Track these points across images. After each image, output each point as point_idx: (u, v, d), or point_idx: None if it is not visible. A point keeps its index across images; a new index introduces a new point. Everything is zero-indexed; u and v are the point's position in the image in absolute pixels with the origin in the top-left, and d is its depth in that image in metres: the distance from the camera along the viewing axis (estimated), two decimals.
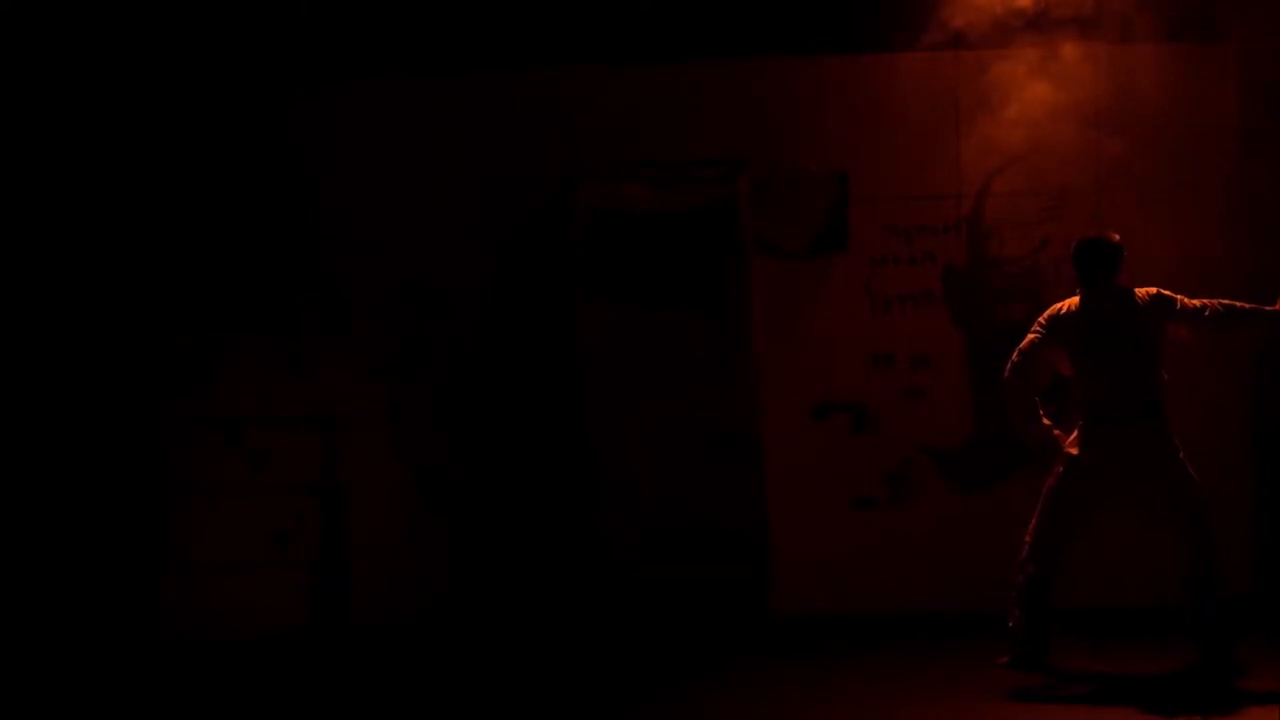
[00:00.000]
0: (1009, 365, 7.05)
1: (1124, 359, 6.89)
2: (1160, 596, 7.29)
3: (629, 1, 8.50)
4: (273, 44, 8.53)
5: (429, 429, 8.59)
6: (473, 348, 8.60)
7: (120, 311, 8.56)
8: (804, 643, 8.07)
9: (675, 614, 8.49)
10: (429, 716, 7.01)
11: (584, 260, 8.68)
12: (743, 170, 8.62)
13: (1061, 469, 6.99)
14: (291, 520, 8.59)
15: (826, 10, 8.50)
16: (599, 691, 7.29)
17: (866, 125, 8.54)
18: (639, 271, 8.72)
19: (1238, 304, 6.95)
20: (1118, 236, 7.05)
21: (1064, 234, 8.17)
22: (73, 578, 8.43)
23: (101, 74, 8.51)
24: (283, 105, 8.63)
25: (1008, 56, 8.31)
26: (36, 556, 8.42)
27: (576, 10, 8.53)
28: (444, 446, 8.58)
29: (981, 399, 8.41)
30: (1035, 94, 8.29)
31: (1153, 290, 6.95)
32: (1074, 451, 6.95)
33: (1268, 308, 6.93)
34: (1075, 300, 7.01)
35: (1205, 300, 6.93)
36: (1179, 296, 6.93)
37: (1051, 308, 7.09)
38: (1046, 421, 7.04)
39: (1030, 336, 7.06)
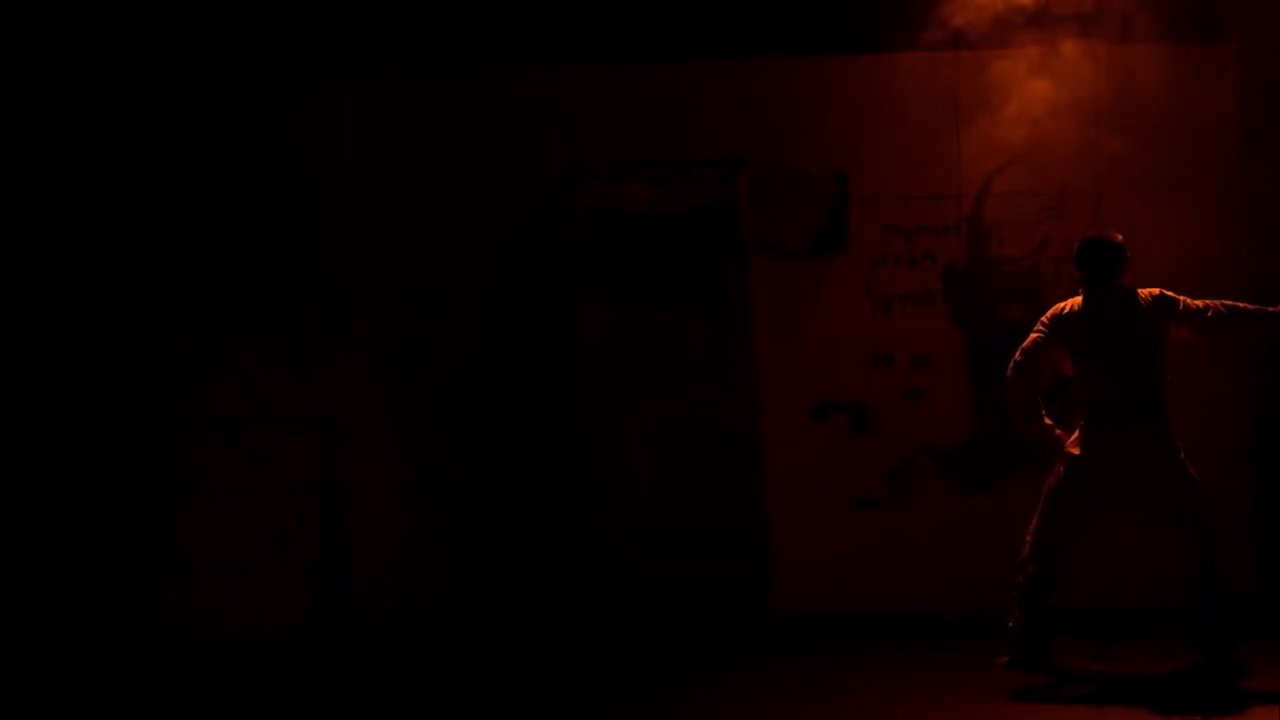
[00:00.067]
0: (1012, 364, 7.06)
1: (1126, 359, 6.89)
2: (1161, 596, 7.28)
3: (629, 1, 8.50)
4: (273, 44, 8.53)
5: (429, 429, 8.59)
6: (473, 348, 8.59)
7: (120, 311, 8.55)
8: (804, 643, 8.07)
9: (675, 614, 8.48)
10: (429, 716, 7.01)
11: (584, 260, 8.68)
12: (743, 170, 8.62)
13: (1063, 469, 6.99)
14: (291, 520, 8.58)
15: (826, 10, 8.50)
16: (599, 692, 7.29)
17: (866, 125, 8.54)
18: (639, 271, 8.72)
19: (1240, 304, 6.95)
20: (1121, 236, 7.05)
21: (1064, 234, 8.18)
22: (73, 578, 8.41)
23: (101, 74, 8.50)
24: (283, 105, 8.62)
25: (1008, 56, 8.31)
26: (37, 556, 8.41)
27: (576, 10, 8.52)
28: (444, 446, 8.58)
29: (981, 399, 8.41)
30: (1035, 93, 8.29)
31: (1155, 291, 6.95)
32: (1075, 451, 6.96)
33: (1270, 308, 6.93)
34: (1078, 300, 7.02)
35: (1208, 301, 6.93)
36: (1182, 297, 6.93)
37: (1054, 307, 7.10)
38: (1048, 421, 7.04)
39: (1033, 336, 7.06)
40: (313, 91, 8.61)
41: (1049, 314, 7.08)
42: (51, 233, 8.53)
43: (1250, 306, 6.95)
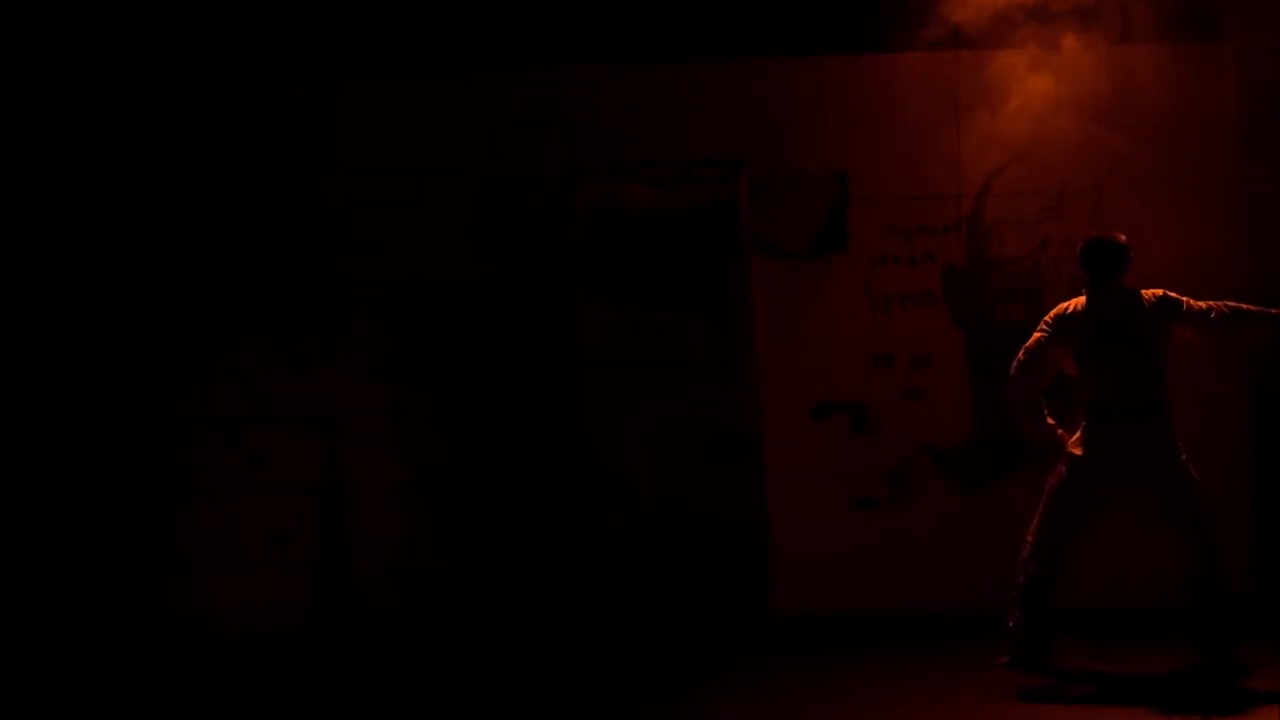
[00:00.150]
0: (1015, 364, 7.06)
1: (1128, 359, 6.90)
2: (1162, 596, 7.28)
3: (629, 1, 8.50)
4: (273, 44, 8.53)
5: (429, 429, 8.58)
6: (473, 348, 8.59)
7: (120, 311, 8.55)
8: (804, 643, 8.07)
9: (675, 614, 8.48)
10: (429, 716, 7.01)
11: (584, 260, 8.67)
12: (743, 170, 8.62)
13: (1064, 469, 6.99)
14: (291, 520, 8.58)
15: (826, 10, 8.50)
16: (599, 692, 7.29)
17: (866, 125, 8.54)
18: (639, 271, 8.72)
19: (1243, 305, 6.95)
20: (1124, 237, 7.05)
21: (1064, 234, 8.20)
22: (73, 577, 8.41)
23: (101, 74, 8.50)
24: (283, 105, 8.62)
25: (1008, 55, 8.31)
26: (37, 556, 8.40)
27: (576, 10, 8.52)
28: (444, 446, 8.58)
29: (981, 399, 8.42)
30: (1035, 93, 8.29)
31: (1159, 291, 6.95)
32: (1077, 451, 6.96)
33: (1273, 309, 6.92)
34: (1081, 300, 7.02)
35: (1211, 302, 6.93)
36: (1185, 298, 6.93)
37: (1057, 307, 7.10)
38: (1050, 421, 7.04)
39: (1036, 335, 7.06)
40: (313, 91, 8.60)
41: (1052, 314, 7.08)
42: (52, 233, 8.52)
43: (1253, 308, 6.95)
